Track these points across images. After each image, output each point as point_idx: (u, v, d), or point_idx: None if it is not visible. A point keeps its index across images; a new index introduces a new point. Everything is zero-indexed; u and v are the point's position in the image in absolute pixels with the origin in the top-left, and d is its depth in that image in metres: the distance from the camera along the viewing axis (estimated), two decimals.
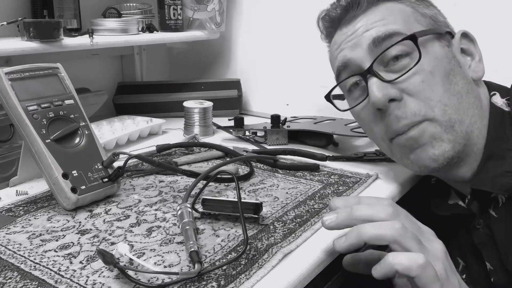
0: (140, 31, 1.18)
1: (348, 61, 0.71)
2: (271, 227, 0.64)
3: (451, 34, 0.71)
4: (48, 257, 0.57)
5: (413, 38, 0.65)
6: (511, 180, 0.63)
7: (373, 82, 0.67)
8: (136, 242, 0.60)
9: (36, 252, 0.58)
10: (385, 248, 0.55)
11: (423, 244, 0.52)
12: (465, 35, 0.72)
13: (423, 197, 0.82)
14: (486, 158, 0.67)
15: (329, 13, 0.75)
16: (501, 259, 0.66)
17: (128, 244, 0.58)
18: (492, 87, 0.72)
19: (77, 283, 0.51)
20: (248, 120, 1.13)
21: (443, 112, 0.66)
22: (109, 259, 0.50)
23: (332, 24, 0.76)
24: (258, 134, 1.08)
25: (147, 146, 0.98)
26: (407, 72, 0.66)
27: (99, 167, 0.72)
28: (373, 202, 0.57)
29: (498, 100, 0.70)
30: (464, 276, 0.73)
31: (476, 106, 0.68)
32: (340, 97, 0.79)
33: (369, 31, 0.69)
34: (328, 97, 0.79)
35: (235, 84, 1.34)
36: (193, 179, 0.76)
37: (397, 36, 0.67)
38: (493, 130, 0.68)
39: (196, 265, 0.51)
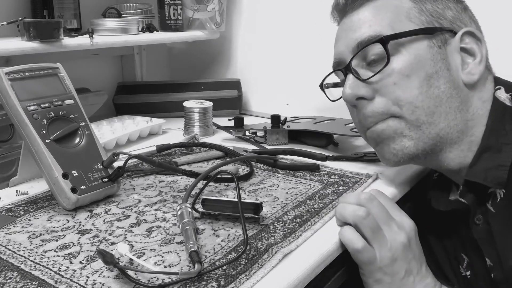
0: (140, 31, 1.18)
1: (340, 58, 0.74)
2: (271, 227, 0.64)
3: (452, 32, 0.69)
4: (48, 257, 0.57)
5: (381, 41, 0.67)
6: (504, 174, 0.63)
7: (348, 79, 0.71)
8: (136, 242, 0.60)
9: (36, 252, 0.58)
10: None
11: (380, 232, 0.62)
12: (470, 34, 0.70)
13: (425, 193, 0.82)
14: (482, 150, 0.67)
15: (338, 3, 0.77)
16: (499, 255, 0.66)
17: (128, 244, 0.58)
18: (498, 81, 0.72)
19: (77, 283, 0.51)
20: (248, 120, 1.13)
21: (411, 112, 0.67)
22: (109, 259, 0.50)
23: (339, 14, 0.78)
24: (258, 134, 1.08)
25: (147, 146, 0.98)
26: (376, 74, 0.68)
27: (99, 167, 0.72)
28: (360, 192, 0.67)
29: (502, 95, 0.69)
30: (469, 273, 0.73)
31: (460, 110, 0.68)
32: (337, 85, 0.81)
33: (355, 33, 0.70)
34: (321, 86, 0.82)
35: (235, 84, 1.34)
36: (193, 179, 0.76)
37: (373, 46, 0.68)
38: (492, 124, 0.68)
39: (196, 265, 0.51)
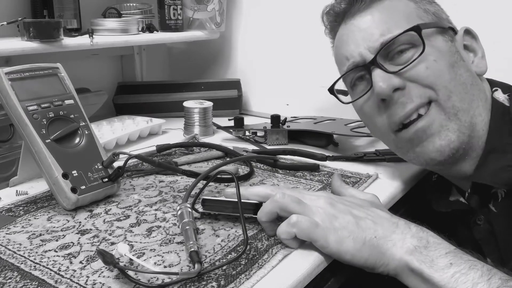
0: (140, 31, 1.18)
1: (352, 54, 0.72)
2: None
3: (454, 30, 0.72)
4: (48, 257, 0.57)
5: (417, 29, 0.67)
6: None
7: (377, 74, 0.68)
8: (136, 242, 0.60)
9: (36, 252, 0.58)
10: None
11: (304, 203, 0.59)
12: (468, 32, 0.73)
13: (424, 195, 0.82)
14: (487, 152, 0.67)
15: (334, 8, 0.77)
16: (501, 255, 0.66)
17: (128, 244, 0.58)
18: (494, 83, 0.73)
19: (77, 283, 0.51)
20: (248, 120, 1.13)
21: (447, 98, 0.66)
22: (109, 259, 0.50)
23: (336, 18, 0.77)
24: (258, 134, 1.08)
25: (147, 146, 0.98)
26: (412, 62, 0.67)
27: (99, 167, 0.72)
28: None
29: (500, 96, 0.70)
30: None
31: (480, 98, 0.69)
32: (343, 92, 0.80)
33: (374, 36, 0.69)
34: (332, 90, 0.79)
35: (235, 84, 1.34)
36: (193, 179, 0.76)
37: (402, 36, 0.68)
38: (495, 125, 0.68)
39: (196, 265, 0.51)
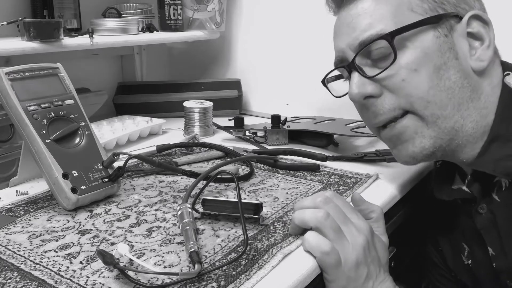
0: (140, 31, 1.18)
1: (340, 51, 0.71)
2: (271, 227, 0.64)
3: (458, 17, 0.66)
4: (48, 257, 0.57)
5: (386, 38, 0.64)
6: None
7: (354, 77, 0.68)
8: (136, 242, 0.60)
9: (36, 252, 0.58)
10: None
11: (341, 233, 0.59)
12: (476, 17, 0.66)
13: (427, 183, 0.81)
14: (491, 139, 0.65)
15: None
16: (502, 244, 0.65)
17: (128, 245, 0.58)
18: (507, 66, 0.69)
19: (77, 283, 0.51)
20: (248, 120, 1.13)
21: (424, 107, 0.64)
22: (109, 260, 0.50)
23: (336, 3, 0.74)
24: (258, 134, 1.08)
25: (147, 146, 0.98)
26: (383, 71, 0.65)
27: (99, 167, 0.72)
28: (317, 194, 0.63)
29: (511, 81, 0.67)
30: (470, 262, 0.73)
31: (472, 99, 0.65)
32: (339, 77, 0.78)
33: (356, 29, 0.67)
34: (324, 82, 0.78)
35: (235, 84, 1.34)
36: (193, 179, 0.76)
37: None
38: (502, 112, 0.65)
39: (196, 266, 0.51)
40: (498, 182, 0.65)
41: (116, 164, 0.73)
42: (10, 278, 0.52)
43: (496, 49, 0.68)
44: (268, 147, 1.02)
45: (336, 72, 0.77)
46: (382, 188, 0.80)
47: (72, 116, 0.74)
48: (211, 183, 0.78)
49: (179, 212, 0.62)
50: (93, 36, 1.01)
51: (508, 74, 0.68)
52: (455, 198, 0.73)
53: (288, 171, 0.87)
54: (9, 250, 0.59)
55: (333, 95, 0.77)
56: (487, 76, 0.67)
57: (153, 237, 0.62)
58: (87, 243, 0.60)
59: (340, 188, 0.78)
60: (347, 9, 0.69)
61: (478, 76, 0.66)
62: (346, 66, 0.69)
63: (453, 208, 0.75)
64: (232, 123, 1.08)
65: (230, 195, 0.76)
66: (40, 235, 0.62)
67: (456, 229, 0.76)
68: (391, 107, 0.66)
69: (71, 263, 0.55)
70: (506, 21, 0.80)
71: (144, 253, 0.58)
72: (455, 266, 0.78)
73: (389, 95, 0.66)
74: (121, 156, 0.73)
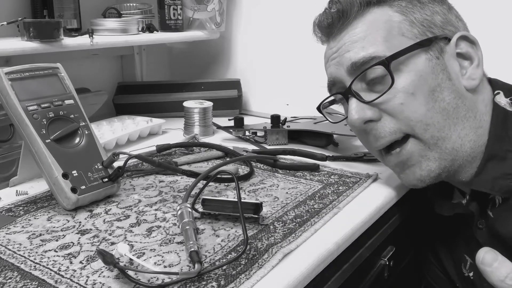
0: (140, 31, 1.18)
1: (334, 79, 0.73)
2: (271, 227, 0.64)
3: (447, 39, 0.68)
4: (48, 257, 0.57)
5: (384, 63, 0.65)
6: (511, 182, 0.63)
7: (352, 103, 0.69)
8: (136, 242, 0.60)
9: (36, 252, 0.58)
10: None
11: None
12: (464, 38, 0.68)
13: (427, 198, 0.82)
14: (487, 158, 0.67)
15: (321, 23, 0.74)
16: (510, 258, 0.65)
17: (128, 244, 0.58)
18: (497, 85, 0.71)
19: (77, 283, 0.51)
20: (248, 120, 1.13)
21: (424, 131, 0.66)
22: (109, 259, 0.50)
23: (325, 32, 0.75)
24: (258, 134, 1.08)
25: (147, 146, 0.99)
26: (381, 96, 0.66)
27: (99, 167, 0.72)
28: None
29: (502, 100, 0.68)
30: (471, 274, 0.73)
31: (467, 118, 0.67)
32: (333, 102, 0.80)
33: (349, 53, 0.68)
34: (319, 109, 0.80)
35: (235, 84, 1.34)
36: (193, 179, 0.76)
37: (374, 60, 0.66)
38: (495, 131, 0.67)
39: (196, 265, 0.51)
40: (493, 198, 0.66)
41: (116, 164, 0.73)
42: (10, 278, 0.52)
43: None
44: (268, 147, 1.02)
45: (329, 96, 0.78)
46: (382, 188, 0.80)
47: (72, 116, 0.74)
48: (211, 183, 0.78)
49: (179, 212, 0.62)
50: (93, 36, 1.01)
51: (498, 93, 0.69)
52: (456, 213, 0.74)
53: (288, 171, 0.87)
54: (9, 250, 0.59)
55: (330, 121, 0.80)
56: (479, 94, 0.69)
57: (153, 236, 0.62)
58: (87, 243, 0.60)
59: (340, 188, 0.78)
60: (338, 37, 0.71)
61: (472, 94, 0.68)
62: (343, 92, 0.71)
63: (455, 221, 0.76)
64: (232, 123, 1.09)
65: (230, 195, 0.76)
66: (40, 235, 0.62)
67: (458, 241, 0.76)
68: (392, 130, 0.68)
69: (71, 262, 0.56)
70: (492, 38, 0.83)
71: (144, 253, 0.58)
72: (454, 275, 0.78)
73: (389, 118, 0.68)
74: (121, 156, 0.73)
